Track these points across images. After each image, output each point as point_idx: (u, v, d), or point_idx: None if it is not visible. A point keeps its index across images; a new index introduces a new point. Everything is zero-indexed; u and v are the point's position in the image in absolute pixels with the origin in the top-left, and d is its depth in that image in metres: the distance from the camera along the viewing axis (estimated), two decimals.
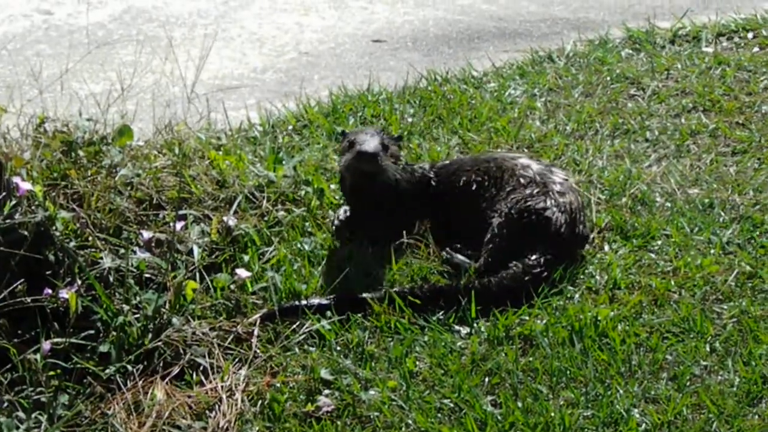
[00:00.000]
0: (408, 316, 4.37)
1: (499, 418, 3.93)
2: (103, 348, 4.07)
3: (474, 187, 4.79)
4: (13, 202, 4.15)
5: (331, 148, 5.49)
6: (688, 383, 4.07)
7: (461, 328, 4.37)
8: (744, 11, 7.19)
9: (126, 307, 4.17)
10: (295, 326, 4.32)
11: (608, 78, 6.32)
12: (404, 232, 4.75)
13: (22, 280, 4.05)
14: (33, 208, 4.31)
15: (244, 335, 4.26)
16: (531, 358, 4.19)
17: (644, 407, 3.97)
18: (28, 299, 4.03)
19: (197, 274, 4.46)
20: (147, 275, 4.39)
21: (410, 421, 3.93)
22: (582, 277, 4.62)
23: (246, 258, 4.62)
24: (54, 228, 4.36)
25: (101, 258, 4.36)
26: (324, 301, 4.39)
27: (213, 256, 4.61)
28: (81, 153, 4.95)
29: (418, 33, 7.29)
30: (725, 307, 4.45)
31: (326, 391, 4.06)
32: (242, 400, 3.99)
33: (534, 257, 4.54)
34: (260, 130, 5.82)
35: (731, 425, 3.90)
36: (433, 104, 6.02)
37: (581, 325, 4.30)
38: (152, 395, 3.97)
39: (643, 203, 5.09)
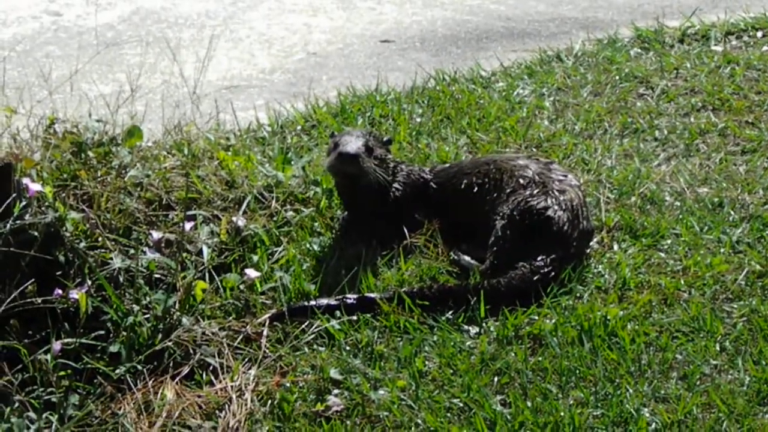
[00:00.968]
0: (417, 316, 4.37)
1: (509, 417, 3.93)
2: (114, 348, 4.08)
3: (475, 190, 4.79)
4: (24, 203, 4.16)
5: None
6: (698, 382, 4.07)
7: (470, 328, 4.37)
8: (753, 10, 7.18)
9: (136, 308, 4.18)
10: (304, 326, 4.32)
11: (617, 77, 6.32)
12: (409, 232, 4.76)
13: (32, 280, 4.06)
14: (43, 209, 4.32)
15: (253, 335, 4.27)
16: (540, 358, 4.19)
17: (654, 407, 3.97)
18: (39, 300, 4.04)
19: (206, 275, 4.46)
20: (157, 275, 4.39)
21: (419, 421, 3.94)
22: (591, 276, 4.62)
23: (255, 258, 4.63)
24: (64, 229, 4.37)
25: (111, 258, 4.37)
26: (333, 302, 4.39)
27: (222, 257, 4.61)
28: (91, 154, 4.96)
29: (426, 33, 7.29)
30: (735, 306, 4.45)
31: (336, 391, 4.06)
32: (252, 400, 3.99)
33: (541, 257, 4.54)
34: (269, 130, 5.82)
35: (741, 424, 3.89)
36: (441, 104, 6.02)
37: (590, 325, 4.30)
38: (162, 395, 3.98)
39: (653, 202, 5.09)
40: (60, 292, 4.10)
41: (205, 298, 4.33)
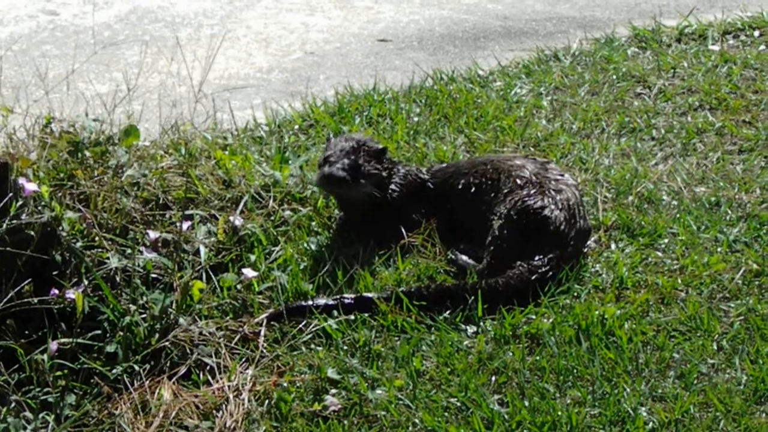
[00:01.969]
0: (414, 316, 4.37)
1: (506, 417, 3.93)
2: (110, 348, 4.08)
3: (473, 190, 4.79)
4: (20, 202, 4.16)
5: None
6: (695, 381, 4.07)
7: (468, 327, 4.37)
8: (750, 9, 7.19)
9: (133, 307, 4.18)
10: (301, 326, 4.32)
11: (614, 76, 6.32)
12: (406, 232, 4.76)
13: (29, 280, 4.06)
14: (39, 208, 4.31)
15: (250, 335, 4.26)
16: (538, 357, 4.19)
17: (651, 406, 3.97)
18: (35, 299, 4.04)
19: (204, 274, 4.46)
20: (154, 275, 4.39)
21: (417, 420, 3.93)
22: (588, 275, 4.62)
23: (252, 258, 4.62)
24: (60, 228, 4.36)
25: (108, 258, 4.36)
26: (330, 302, 4.39)
27: (219, 256, 4.61)
28: (87, 153, 4.96)
29: (423, 32, 7.28)
30: (732, 305, 4.45)
31: (333, 391, 4.06)
32: (249, 400, 3.99)
33: (539, 257, 4.54)
34: (266, 129, 5.82)
35: (738, 423, 3.89)
36: (439, 103, 6.02)
37: (588, 324, 4.30)
38: (159, 395, 3.97)
39: (650, 202, 5.09)
40: (57, 291, 4.09)
41: (202, 298, 4.32)
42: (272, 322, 4.33)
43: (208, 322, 4.27)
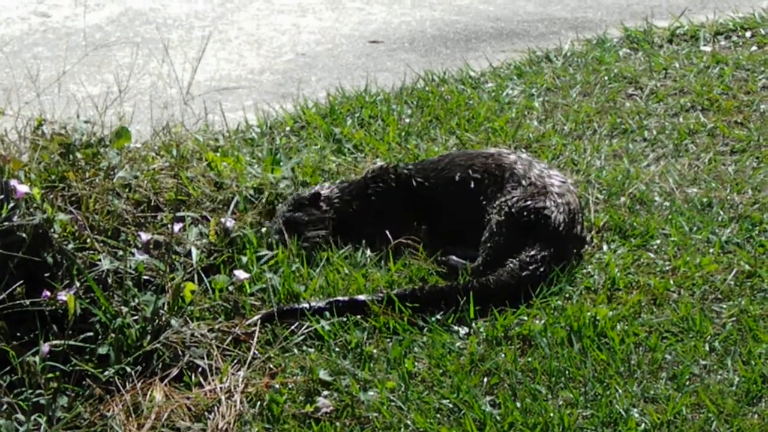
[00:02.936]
0: (407, 317, 4.37)
1: (498, 418, 3.93)
2: (102, 350, 4.07)
3: (472, 185, 4.79)
4: (11, 204, 4.15)
5: (329, 149, 5.49)
6: (687, 383, 4.07)
7: (460, 329, 4.37)
8: (742, 10, 7.20)
9: (124, 309, 4.17)
10: (293, 327, 4.31)
11: (606, 77, 6.32)
12: (396, 234, 4.75)
13: (20, 282, 4.05)
14: (31, 210, 4.30)
15: (242, 336, 4.26)
16: (530, 359, 4.19)
17: (643, 407, 3.97)
18: (27, 301, 4.03)
19: (195, 276, 4.45)
20: (145, 277, 4.38)
21: (409, 422, 3.93)
22: (580, 276, 4.62)
23: (244, 259, 4.62)
24: (52, 230, 4.35)
25: (99, 260, 4.35)
26: (322, 304, 4.38)
27: (211, 258, 4.60)
28: (79, 155, 4.95)
29: (415, 34, 7.28)
30: (724, 306, 4.45)
31: (325, 392, 4.06)
32: (241, 402, 3.98)
33: (531, 253, 4.54)
34: (258, 131, 5.82)
35: (731, 424, 3.89)
36: (430, 105, 6.02)
37: (580, 325, 4.30)
38: (151, 397, 3.97)
39: (642, 203, 5.09)
40: (48, 293, 4.08)
41: (194, 300, 4.32)
42: (265, 324, 4.33)
43: (200, 323, 4.26)
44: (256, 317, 4.33)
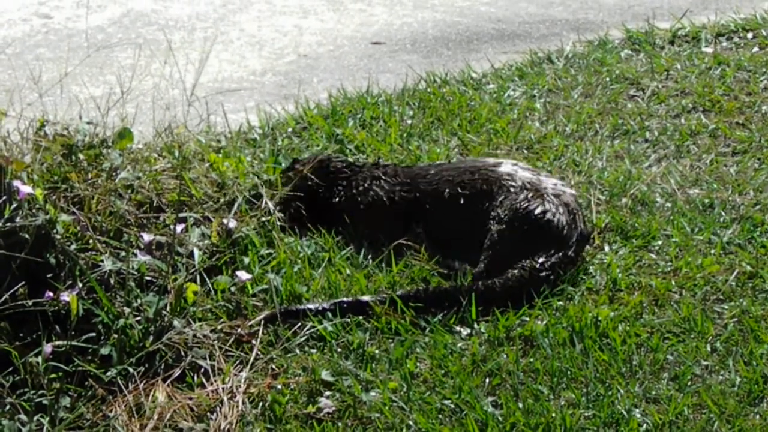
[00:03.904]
0: (409, 318, 4.37)
1: (500, 419, 3.93)
2: (105, 350, 4.07)
3: (462, 202, 4.75)
4: (14, 205, 4.16)
5: (330, 150, 5.49)
6: (689, 383, 4.08)
7: (462, 330, 4.37)
8: (743, 11, 7.20)
9: (127, 310, 4.17)
10: (296, 328, 4.32)
11: (608, 79, 6.33)
12: (392, 237, 4.76)
13: (23, 283, 4.05)
14: (34, 211, 4.31)
15: (245, 337, 4.26)
16: (532, 359, 4.19)
17: (645, 407, 3.97)
18: (29, 302, 4.03)
19: (198, 277, 4.46)
20: (148, 278, 4.39)
21: (411, 423, 3.94)
22: (582, 277, 4.62)
23: (246, 260, 4.62)
24: (55, 231, 4.36)
25: (102, 261, 4.36)
26: (327, 305, 4.38)
27: (213, 259, 4.61)
28: (81, 156, 4.95)
29: (416, 35, 7.29)
30: (726, 307, 4.45)
31: (327, 393, 4.06)
32: (243, 402, 3.99)
33: (541, 260, 4.53)
34: (260, 132, 5.82)
35: (732, 425, 3.90)
36: (432, 106, 6.02)
37: (582, 326, 4.30)
38: (153, 397, 3.97)
39: (643, 204, 5.10)
40: (51, 294, 4.09)
41: (196, 301, 4.32)
42: (267, 324, 4.33)
43: (202, 324, 4.27)
44: (259, 317, 4.33)
